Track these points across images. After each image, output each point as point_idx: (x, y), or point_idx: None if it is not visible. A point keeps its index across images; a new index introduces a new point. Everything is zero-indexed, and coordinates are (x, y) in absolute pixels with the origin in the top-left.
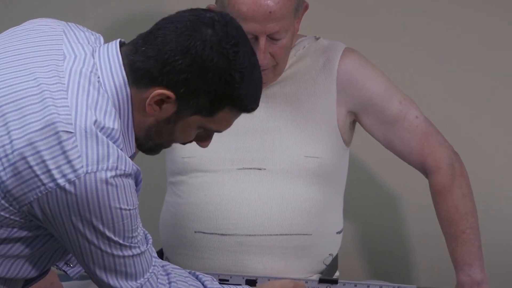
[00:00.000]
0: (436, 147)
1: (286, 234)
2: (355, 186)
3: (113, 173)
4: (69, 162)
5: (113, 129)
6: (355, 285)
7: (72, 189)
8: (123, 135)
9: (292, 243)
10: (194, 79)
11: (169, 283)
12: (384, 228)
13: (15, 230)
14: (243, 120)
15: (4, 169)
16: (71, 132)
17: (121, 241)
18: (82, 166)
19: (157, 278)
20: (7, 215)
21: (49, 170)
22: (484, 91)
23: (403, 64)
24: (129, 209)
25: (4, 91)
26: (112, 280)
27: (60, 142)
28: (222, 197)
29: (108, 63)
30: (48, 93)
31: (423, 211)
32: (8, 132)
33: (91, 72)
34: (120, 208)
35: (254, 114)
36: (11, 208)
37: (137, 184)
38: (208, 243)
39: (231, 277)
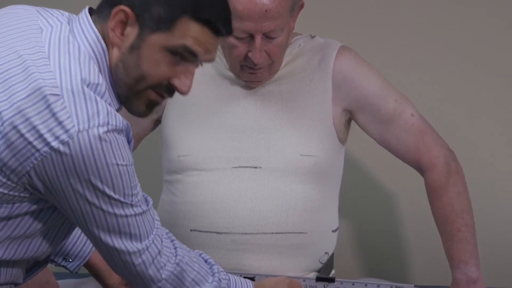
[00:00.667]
0: (431, 146)
1: (281, 233)
2: (351, 185)
3: (105, 128)
4: (60, 123)
5: (98, 84)
6: (353, 284)
7: (67, 150)
8: (107, 90)
9: (287, 241)
10: None
11: (175, 248)
12: (380, 227)
13: (16, 205)
14: (239, 118)
15: None
16: (58, 95)
17: (122, 199)
18: (73, 126)
19: (162, 241)
20: (6, 191)
21: (41, 135)
22: (481, 90)
23: (399, 62)
24: (126, 165)
25: None
26: (117, 243)
27: (48, 106)
28: (217, 195)
29: (79, 25)
30: (30, 61)
31: (419, 209)
32: None
33: (68, 36)
34: (117, 164)
35: (250, 112)
36: (9, 183)
37: (128, 142)
38: (204, 241)
39: None
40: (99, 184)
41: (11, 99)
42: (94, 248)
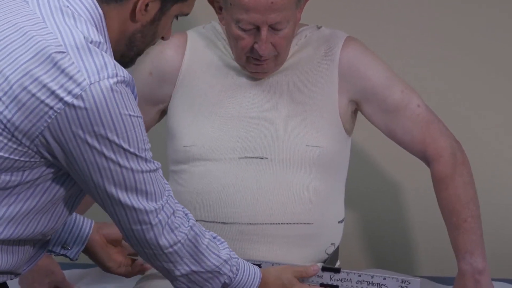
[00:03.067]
0: (437, 136)
1: (287, 223)
2: (357, 175)
3: (115, 79)
4: (70, 78)
5: (100, 42)
6: (359, 275)
7: (81, 103)
8: (108, 49)
9: (293, 232)
10: None
11: (186, 214)
12: (386, 217)
13: (26, 173)
14: (245, 109)
15: (7, 106)
16: (64, 52)
17: (137, 152)
18: (84, 79)
19: (175, 201)
20: (16, 157)
21: (53, 92)
22: (486, 82)
23: (405, 53)
24: (137, 116)
25: None
26: (135, 202)
27: (55, 63)
28: (223, 186)
29: None
30: (27, 27)
31: (425, 199)
32: (0, 72)
33: (58, 3)
34: (130, 115)
35: (256, 103)
36: (20, 148)
37: (134, 98)
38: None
39: None
40: (115, 137)
41: (15, 63)
42: (91, 231)
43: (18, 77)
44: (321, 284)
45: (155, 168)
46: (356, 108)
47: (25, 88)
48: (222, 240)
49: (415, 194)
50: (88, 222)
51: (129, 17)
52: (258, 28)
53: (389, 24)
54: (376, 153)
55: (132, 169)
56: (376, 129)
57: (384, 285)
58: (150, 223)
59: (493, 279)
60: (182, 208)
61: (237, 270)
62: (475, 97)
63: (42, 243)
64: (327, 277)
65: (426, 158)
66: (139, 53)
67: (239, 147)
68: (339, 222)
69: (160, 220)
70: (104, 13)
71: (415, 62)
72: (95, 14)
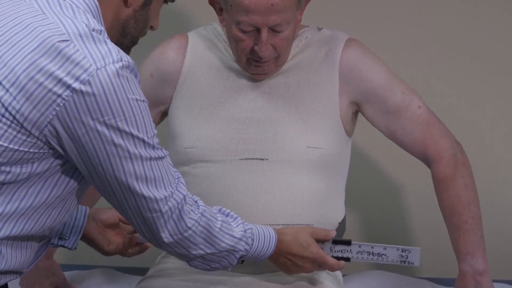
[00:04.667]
0: (438, 137)
1: (288, 224)
2: (357, 177)
3: (120, 64)
4: (77, 64)
5: (101, 30)
6: (359, 246)
7: (89, 89)
8: (108, 38)
9: None
10: None
11: (195, 201)
12: (386, 219)
13: (35, 165)
14: (246, 110)
15: (15, 97)
16: (67, 40)
17: (145, 138)
18: (91, 64)
19: (185, 187)
20: (26, 149)
21: (60, 80)
22: (487, 83)
23: (406, 54)
24: (143, 100)
25: None
26: (145, 190)
27: (60, 52)
28: (224, 187)
29: None
30: (28, 20)
31: (425, 200)
32: (5, 64)
33: None
34: (137, 100)
35: (257, 104)
36: (29, 139)
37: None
38: None
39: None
40: (124, 123)
41: (20, 54)
42: (86, 218)
43: (24, 68)
44: (333, 257)
45: (163, 155)
46: (357, 109)
47: (32, 78)
48: (235, 216)
49: (415, 195)
50: (82, 210)
51: (122, 2)
52: (258, 30)
53: (390, 25)
54: (376, 154)
55: (141, 156)
56: (377, 130)
57: (385, 254)
58: (160, 211)
59: (493, 280)
60: (192, 195)
61: (252, 240)
62: (476, 98)
63: (46, 239)
64: (327, 249)
65: (427, 159)
66: (134, 40)
67: (239, 149)
68: (339, 223)
69: (170, 207)
70: (99, 3)
71: (416, 63)
72: (91, 4)
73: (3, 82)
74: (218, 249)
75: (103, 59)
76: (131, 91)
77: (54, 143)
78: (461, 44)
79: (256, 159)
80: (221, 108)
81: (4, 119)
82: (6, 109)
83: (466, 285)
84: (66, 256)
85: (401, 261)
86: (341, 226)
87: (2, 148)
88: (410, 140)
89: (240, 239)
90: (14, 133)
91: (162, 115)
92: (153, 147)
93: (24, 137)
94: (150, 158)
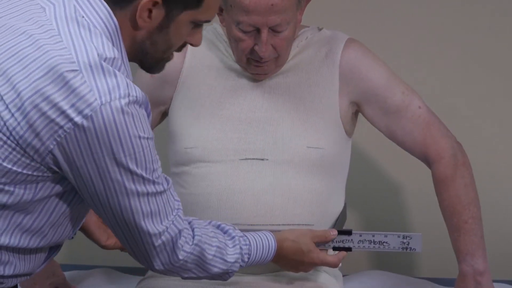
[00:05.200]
0: (438, 137)
1: (288, 225)
2: (358, 177)
3: (127, 100)
4: (81, 98)
5: (114, 58)
6: (360, 235)
7: (91, 125)
8: (123, 63)
9: None
10: None
11: (192, 230)
12: (386, 219)
13: (40, 185)
14: (246, 111)
15: (19, 123)
16: (76, 70)
17: (144, 174)
18: (95, 99)
19: (182, 221)
20: (29, 172)
21: (63, 112)
22: (487, 83)
23: (406, 54)
24: (147, 138)
25: None
26: (139, 223)
27: (67, 82)
28: (224, 187)
29: (88, 2)
30: (42, 41)
31: (425, 200)
32: (14, 86)
33: (75, 13)
34: (139, 137)
35: (257, 104)
36: (33, 163)
37: (148, 115)
38: None
39: None
40: (123, 158)
41: (29, 78)
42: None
43: (30, 94)
44: (334, 248)
45: (162, 189)
46: (357, 109)
47: (36, 105)
48: (233, 234)
49: (415, 195)
50: None
51: (134, 26)
52: (258, 30)
53: (390, 26)
54: (377, 155)
55: (137, 192)
56: (377, 131)
57: (386, 242)
58: (153, 244)
59: (493, 280)
60: (189, 222)
61: (249, 256)
62: (476, 98)
63: (56, 247)
64: (328, 244)
65: (427, 160)
66: (158, 59)
67: (240, 149)
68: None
69: (163, 241)
70: (118, 19)
71: (416, 63)
72: (110, 25)
73: (10, 106)
74: (210, 273)
75: (109, 93)
76: (134, 127)
77: (56, 168)
78: (461, 44)
79: (256, 159)
80: (221, 108)
81: (9, 142)
82: (11, 133)
83: (466, 285)
84: (66, 256)
85: (403, 248)
86: (342, 216)
87: (6, 170)
88: (410, 140)
89: (234, 262)
90: (18, 156)
91: (162, 115)
92: (153, 183)
93: (27, 161)
94: (148, 194)
